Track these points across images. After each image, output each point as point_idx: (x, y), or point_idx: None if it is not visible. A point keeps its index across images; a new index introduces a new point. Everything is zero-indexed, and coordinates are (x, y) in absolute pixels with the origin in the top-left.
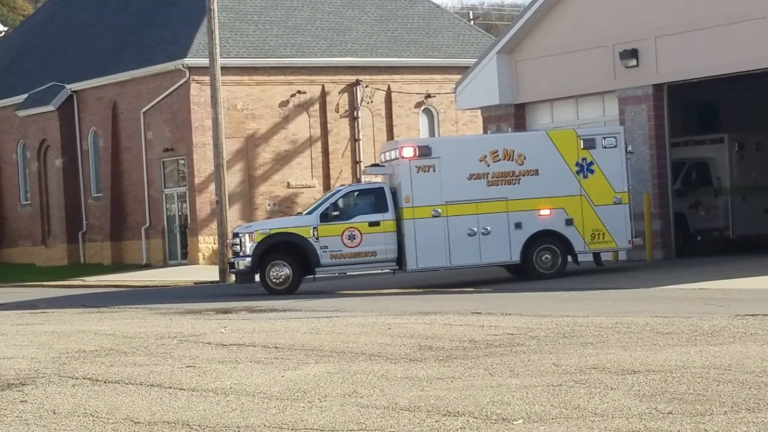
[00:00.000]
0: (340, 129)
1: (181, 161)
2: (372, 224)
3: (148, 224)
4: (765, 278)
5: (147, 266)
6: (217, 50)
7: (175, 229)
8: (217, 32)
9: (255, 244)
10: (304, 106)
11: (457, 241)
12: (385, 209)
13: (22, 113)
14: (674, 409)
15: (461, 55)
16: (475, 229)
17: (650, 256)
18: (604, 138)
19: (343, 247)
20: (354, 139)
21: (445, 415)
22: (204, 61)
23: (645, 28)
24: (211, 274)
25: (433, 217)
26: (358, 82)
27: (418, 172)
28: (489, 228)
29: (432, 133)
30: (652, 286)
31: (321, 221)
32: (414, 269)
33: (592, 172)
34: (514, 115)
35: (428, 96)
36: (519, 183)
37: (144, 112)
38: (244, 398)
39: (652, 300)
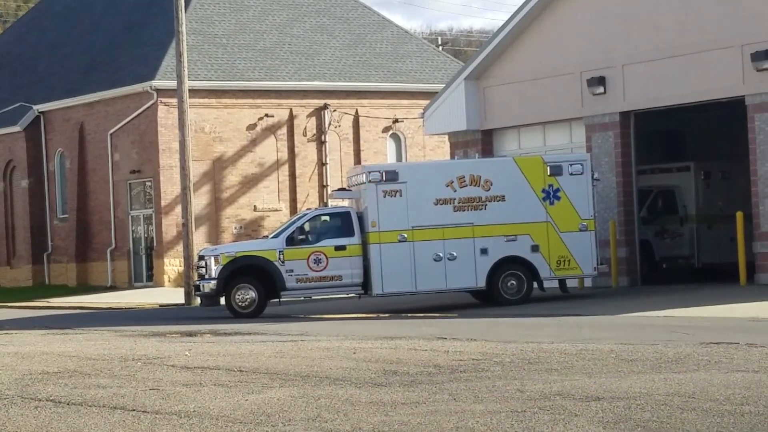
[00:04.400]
0: (307, 153)
1: (148, 183)
2: (338, 248)
3: (113, 246)
4: (730, 306)
5: (112, 288)
6: (185, 73)
7: (141, 251)
8: (185, 55)
9: (220, 267)
10: (271, 130)
11: (423, 266)
12: (351, 233)
13: None
14: None
15: (429, 80)
16: (441, 255)
17: (615, 283)
18: (571, 165)
19: (309, 271)
20: (321, 163)
21: None
22: (172, 84)
23: (613, 55)
24: (177, 296)
25: (399, 241)
26: (326, 106)
27: (384, 196)
28: (455, 253)
29: (399, 157)
30: (617, 313)
31: (287, 245)
32: (380, 294)
33: (558, 198)
34: (481, 141)
35: (396, 121)
36: (485, 209)
37: (111, 134)
38: (207, 421)
39: (617, 327)
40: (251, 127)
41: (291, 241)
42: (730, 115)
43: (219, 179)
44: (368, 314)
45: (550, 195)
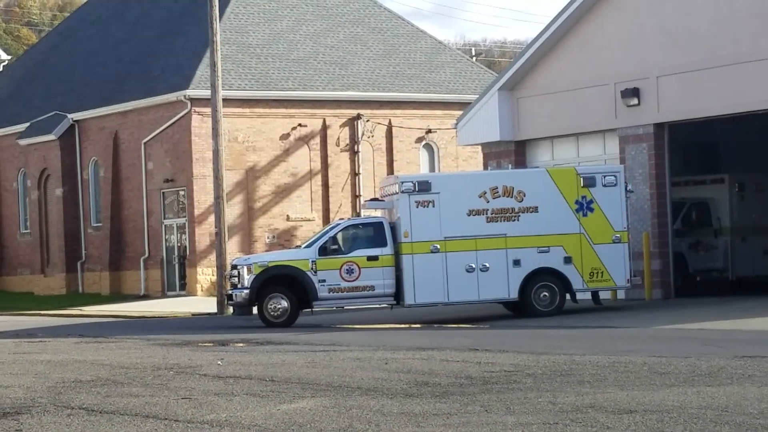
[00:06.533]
0: (340, 163)
1: (181, 192)
2: (370, 258)
3: (147, 255)
4: (764, 319)
5: (145, 297)
6: (219, 82)
7: (174, 260)
8: (219, 64)
9: (253, 277)
10: (304, 139)
11: (456, 277)
12: (383, 244)
13: (23, 142)
14: None
15: (462, 91)
16: (474, 266)
17: (649, 295)
18: (604, 176)
19: (341, 281)
20: (354, 173)
21: None
22: (206, 93)
23: (647, 67)
24: (209, 305)
25: (432, 252)
26: (359, 116)
27: (417, 207)
28: (487, 264)
29: (432, 168)
30: (651, 326)
31: (320, 255)
32: (412, 304)
33: (591, 210)
34: (514, 152)
35: (429, 131)
36: (518, 220)
37: (145, 143)
38: (239, 431)
39: (650, 339)
40: (284, 136)
41: (323, 251)
42: (764, 126)
43: (252, 189)
44: (400, 325)
45: (584, 206)
